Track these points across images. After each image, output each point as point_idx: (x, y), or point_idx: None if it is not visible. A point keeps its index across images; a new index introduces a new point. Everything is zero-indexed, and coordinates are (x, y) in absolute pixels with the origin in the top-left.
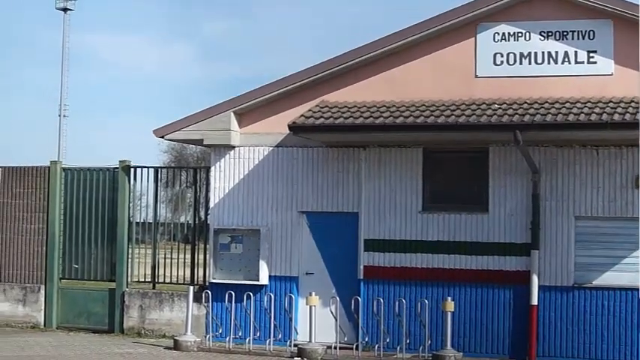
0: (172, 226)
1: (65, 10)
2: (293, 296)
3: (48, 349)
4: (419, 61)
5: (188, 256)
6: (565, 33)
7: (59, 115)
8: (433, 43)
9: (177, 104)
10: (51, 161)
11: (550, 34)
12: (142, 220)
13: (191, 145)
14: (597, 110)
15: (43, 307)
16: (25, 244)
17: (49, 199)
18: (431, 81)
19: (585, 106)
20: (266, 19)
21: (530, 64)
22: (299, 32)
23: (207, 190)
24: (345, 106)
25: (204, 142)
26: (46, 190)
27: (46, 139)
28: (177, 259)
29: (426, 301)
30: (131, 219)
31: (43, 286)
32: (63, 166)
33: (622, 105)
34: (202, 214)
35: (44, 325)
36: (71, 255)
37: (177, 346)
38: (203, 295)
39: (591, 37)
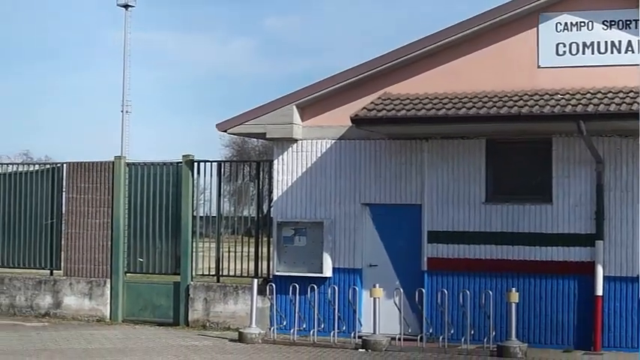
0: (235, 219)
1: (126, 6)
2: (357, 288)
3: (114, 342)
4: (481, 52)
5: (251, 249)
6: (628, 22)
7: (122, 112)
8: (495, 34)
9: (239, 99)
10: (115, 156)
11: (613, 23)
12: (204, 214)
13: (252, 139)
14: None
15: (108, 301)
16: (90, 238)
17: (114, 193)
18: (493, 72)
19: None
20: (327, 13)
21: (593, 53)
22: (360, 26)
23: (270, 184)
24: (408, 98)
25: (267, 136)
26: (111, 185)
27: (109, 134)
28: (241, 252)
29: (490, 292)
30: (194, 213)
31: (108, 280)
32: (127, 161)
33: None
34: (265, 207)
35: (110, 319)
36: (136, 249)
37: (241, 338)
38: (267, 287)
39: None
